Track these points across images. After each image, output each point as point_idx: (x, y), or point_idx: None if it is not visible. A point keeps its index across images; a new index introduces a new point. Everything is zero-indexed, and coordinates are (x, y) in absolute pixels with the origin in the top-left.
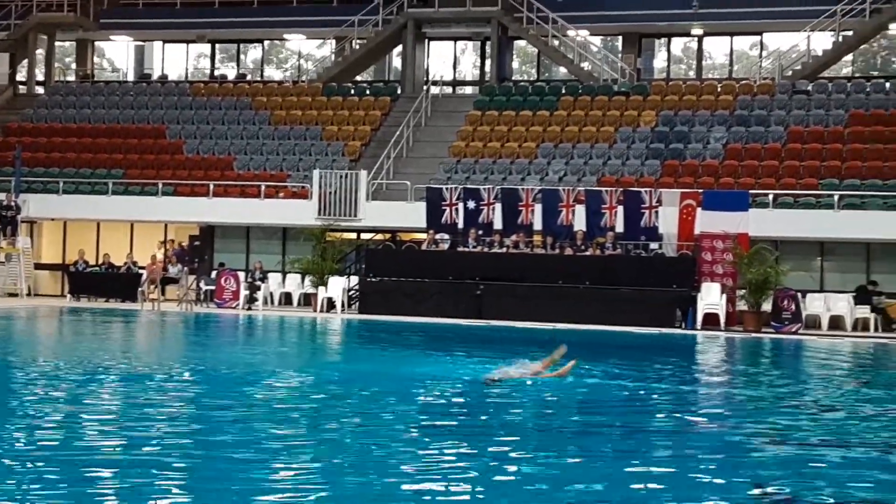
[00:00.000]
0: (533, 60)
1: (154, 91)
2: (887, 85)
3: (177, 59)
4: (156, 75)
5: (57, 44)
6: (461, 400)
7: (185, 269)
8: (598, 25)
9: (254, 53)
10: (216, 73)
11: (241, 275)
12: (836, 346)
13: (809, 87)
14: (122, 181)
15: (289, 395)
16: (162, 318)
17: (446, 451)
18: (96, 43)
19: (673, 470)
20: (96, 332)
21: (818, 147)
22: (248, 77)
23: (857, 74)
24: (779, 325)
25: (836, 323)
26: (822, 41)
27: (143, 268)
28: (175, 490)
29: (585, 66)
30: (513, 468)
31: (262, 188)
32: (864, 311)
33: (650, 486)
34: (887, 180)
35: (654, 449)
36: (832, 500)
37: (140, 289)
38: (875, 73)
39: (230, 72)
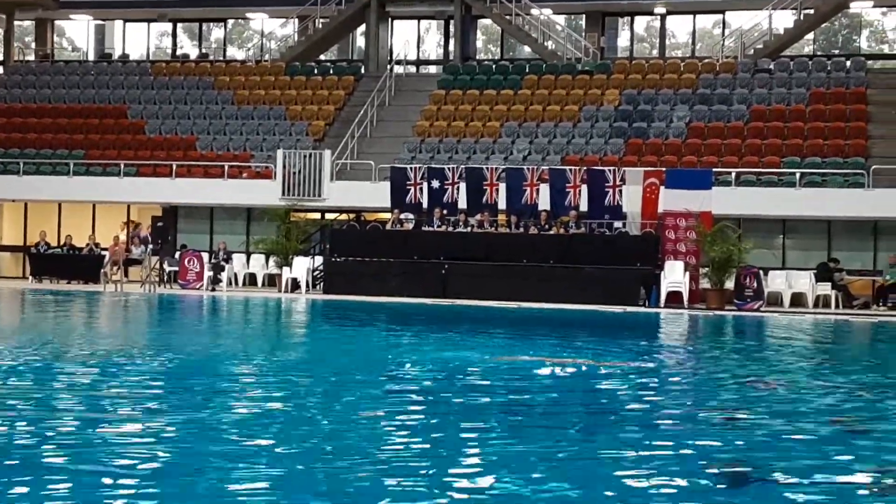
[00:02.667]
0: (497, 39)
1: (115, 71)
2: (848, 63)
3: (138, 39)
4: (117, 55)
5: (16, 23)
6: (430, 382)
7: (149, 250)
8: (562, 4)
9: (216, 32)
10: (178, 52)
11: (205, 255)
12: (797, 322)
13: (771, 66)
14: (84, 162)
15: (257, 379)
16: (124, 300)
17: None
18: (56, 22)
19: (632, 450)
20: (57, 314)
21: (780, 125)
22: (211, 56)
23: (818, 53)
24: (741, 303)
25: (797, 300)
26: (783, 20)
27: (105, 249)
28: (135, 483)
29: (549, 44)
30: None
31: (226, 168)
32: (825, 289)
33: (608, 466)
34: (848, 158)
35: (612, 428)
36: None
37: (102, 270)
38: (836, 52)
39: (192, 51)
